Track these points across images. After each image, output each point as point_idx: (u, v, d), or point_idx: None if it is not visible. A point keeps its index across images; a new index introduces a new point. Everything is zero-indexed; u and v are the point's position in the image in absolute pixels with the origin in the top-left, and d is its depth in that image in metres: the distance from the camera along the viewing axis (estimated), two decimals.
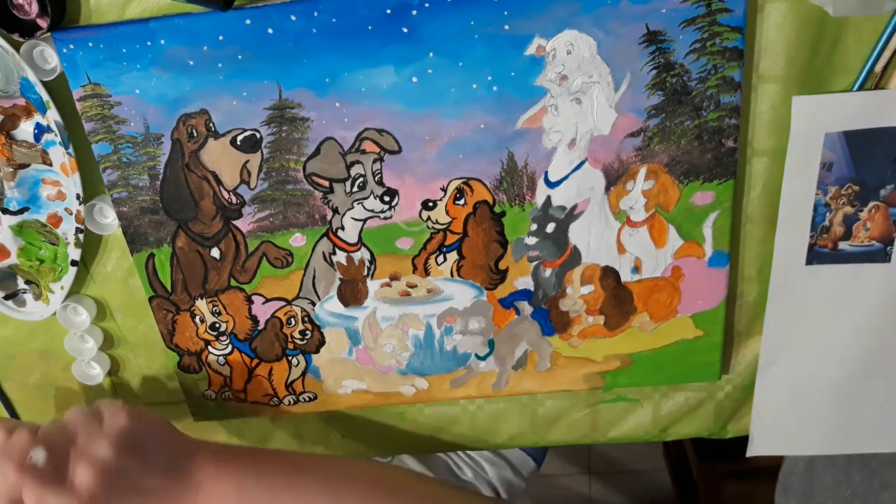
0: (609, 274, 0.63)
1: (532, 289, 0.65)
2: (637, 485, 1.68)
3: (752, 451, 0.71)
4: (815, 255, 0.61)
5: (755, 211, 0.61)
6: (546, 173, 0.60)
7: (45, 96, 0.58)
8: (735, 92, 0.56)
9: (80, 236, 0.64)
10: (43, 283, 0.67)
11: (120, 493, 0.54)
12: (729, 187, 0.59)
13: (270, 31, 0.55)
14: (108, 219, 0.64)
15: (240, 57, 0.56)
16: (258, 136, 0.59)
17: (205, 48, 0.56)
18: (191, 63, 0.57)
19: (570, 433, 0.73)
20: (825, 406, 0.69)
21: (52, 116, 0.59)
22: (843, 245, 0.61)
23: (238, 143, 0.60)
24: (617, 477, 1.69)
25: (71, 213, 0.64)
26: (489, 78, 0.56)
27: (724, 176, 0.59)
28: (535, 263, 0.64)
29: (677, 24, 0.54)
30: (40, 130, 0.61)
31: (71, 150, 0.60)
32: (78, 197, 0.62)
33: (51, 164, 0.62)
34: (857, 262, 0.61)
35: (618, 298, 0.64)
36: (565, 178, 0.60)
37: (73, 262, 0.65)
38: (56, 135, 0.60)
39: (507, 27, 0.54)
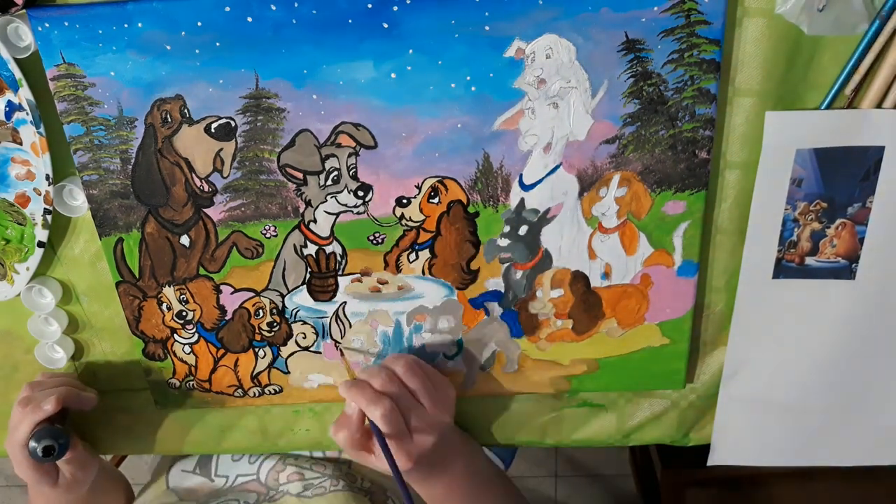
0: (579, 279, 0.64)
1: (503, 290, 0.65)
2: (602, 489, 1.69)
3: (713, 460, 0.72)
4: (782, 269, 0.62)
5: (725, 223, 0.62)
6: (521, 176, 0.60)
7: (18, 74, 0.57)
8: (710, 104, 0.56)
9: (48, 217, 0.63)
10: (8, 263, 0.66)
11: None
12: (700, 198, 0.60)
13: (250, 19, 0.55)
14: (77, 201, 0.63)
15: (217, 44, 0.56)
16: (233, 124, 0.59)
17: (182, 33, 0.55)
18: (168, 48, 0.56)
19: (534, 435, 0.73)
20: (787, 418, 0.69)
21: (24, 95, 0.58)
22: (809, 260, 0.62)
23: (212, 130, 0.59)
24: (583, 481, 1.70)
25: (40, 194, 0.63)
26: (468, 78, 0.56)
27: (696, 186, 0.59)
28: (506, 265, 0.64)
29: (656, 34, 0.54)
30: (11, 108, 0.60)
31: (42, 129, 0.59)
32: (47, 177, 0.61)
33: (21, 143, 0.61)
34: (822, 278, 0.62)
35: (587, 303, 0.65)
36: (540, 181, 0.60)
37: (40, 244, 0.64)
38: (27, 113, 0.59)
39: (487, 28, 0.54)
